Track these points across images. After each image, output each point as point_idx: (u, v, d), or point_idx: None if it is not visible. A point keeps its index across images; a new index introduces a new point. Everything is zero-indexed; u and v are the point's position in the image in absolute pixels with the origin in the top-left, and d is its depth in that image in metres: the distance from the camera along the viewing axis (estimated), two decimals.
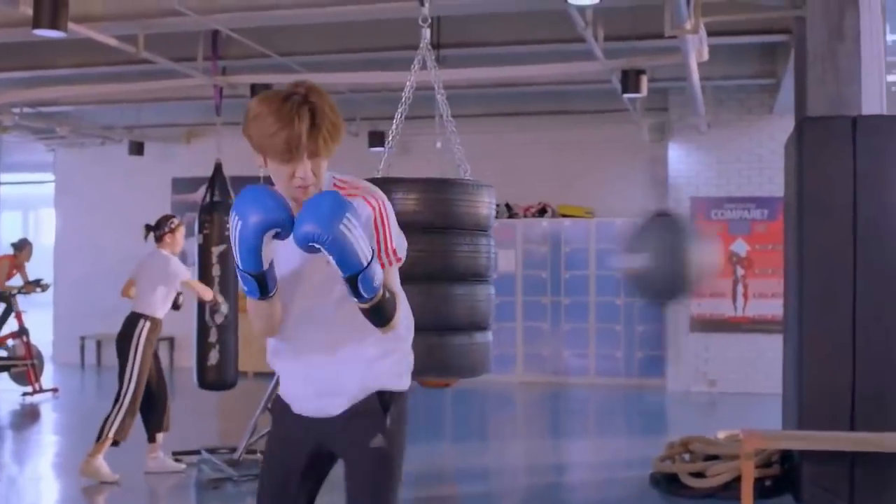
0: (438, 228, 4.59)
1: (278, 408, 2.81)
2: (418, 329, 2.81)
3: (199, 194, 13.71)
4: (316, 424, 2.74)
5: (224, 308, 7.70)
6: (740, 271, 11.27)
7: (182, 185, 13.90)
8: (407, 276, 4.41)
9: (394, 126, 5.13)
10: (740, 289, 11.26)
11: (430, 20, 5.01)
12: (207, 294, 7.28)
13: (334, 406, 2.69)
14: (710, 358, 11.50)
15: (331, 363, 2.67)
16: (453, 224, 4.62)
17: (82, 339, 13.87)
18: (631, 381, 11.96)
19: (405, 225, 4.60)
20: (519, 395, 11.65)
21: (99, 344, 13.88)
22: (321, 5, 7.48)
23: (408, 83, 5.09)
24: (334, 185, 2.64)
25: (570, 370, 12.19)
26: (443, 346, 4.51)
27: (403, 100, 5.12)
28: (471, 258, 4.62)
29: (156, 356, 6.96)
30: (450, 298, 4.55)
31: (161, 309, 6.85)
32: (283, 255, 2.61)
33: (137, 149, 13.47)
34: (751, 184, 11.41)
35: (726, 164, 11.45)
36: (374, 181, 4.97)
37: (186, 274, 7.02)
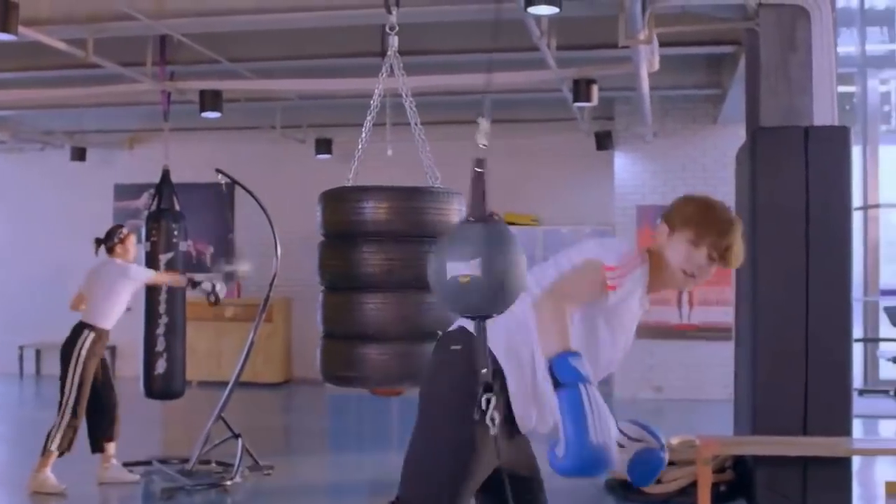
0: (410, 237, 4.59)
1: None
2: (392, 338, 2.80)
3: (142, 201, 13.60)
4: None
5: (207, 285, 7.34)
6: None
7: (124, 191, 13.73)
8: (380, 285, 4.39)
9: (363, 134, 5.13)
10: (685, 296, 11.39)
11: (397, 27, 5.00)
12: (181, 281, 7.24)
13: None
14: (656, 364, 11.62)
15: None
16: (425, 232, 4.62)
17: (21, 348, 13.58)
18: None
19: (377, 234, 4.65)
20: None
21: (38, 353, 13.62)
22: (274, 11, 7.43)
23: (376, 90, 5.09)
24: None
25: None
26: (416, 354, 4.50)
27: (372, 107, 5.11)
28: None
29: (105, 366, 6.85)
30: (422, 307, 4.55)
31: (110, 319, 6.75)
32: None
33: (79, 154, 13.28)
34: (695, 192, 11.52)
35: (671, 173, 11.59)
36: (345, 190, 5.01)
37: (150, 272, 7.00)
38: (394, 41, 5.05)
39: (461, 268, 2.23)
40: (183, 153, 10.82)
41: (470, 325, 2.57)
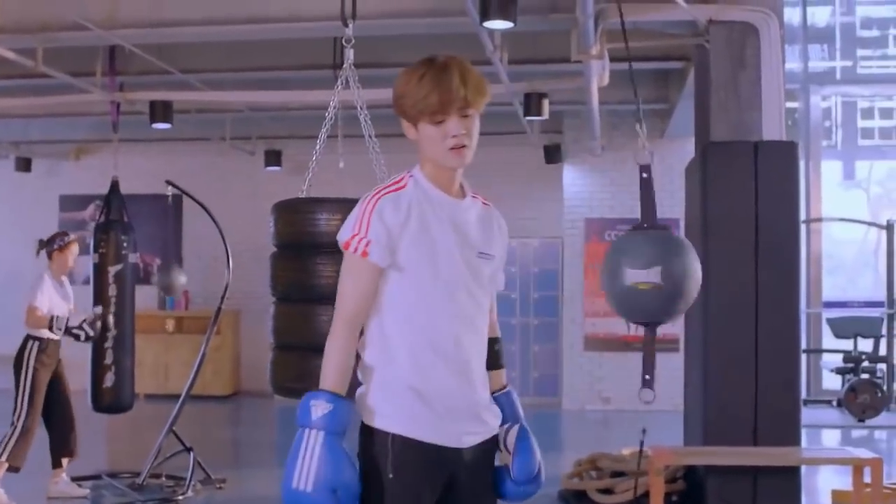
0: None
1: None
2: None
3: (89, 212, 13.47)
4: None
5: (77, 331, 6.71)
6: None
7: (70, 202, 13.57)
8: (333, 296, 4.38)
9: (318, 146, 5.13)
10: None
11: (353, 40, 5.03)
12: (43, 325, 6.57)
13: None
14: (604, 376, 11.72)
15: None
16: None
17: None
18: (526, 399, 11.98)
19: (332, 245, 4.63)
20: None
21: None
22: (226, 23, 7.42)
23: (332, 102, 5.10)
24: (473, 197, 2.69)
25: None
26: None
27: (327, 119, 5.12)
28: None
29: (60, 378, 6.75)
30: None
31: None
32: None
33: (25, 165, 13.11)
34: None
35: (619, 186, 11.72)
36: (299, 201, 5.01)
37: (37, 300, 6.57)
38: (349, 54, 5.07)
39: (641, 275, 2.22)
40: (131, 164, 10.74)
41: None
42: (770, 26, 6.05)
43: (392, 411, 2.52)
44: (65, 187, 13.60)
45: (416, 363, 2.53)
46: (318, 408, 2.43)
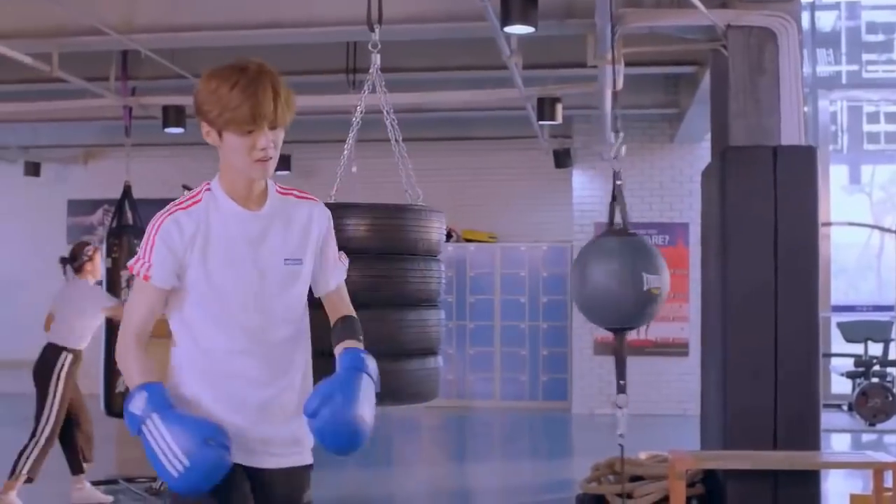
0: (392, 254, 4.62)
1: None
2: (373, 356, 2.76)
3: (97, 217, 13.47)
4: None
5: None
6: None
7: (78, 207, 13.56)
8: (361, 303, 4.41)
9: (346, 151, 5.14)
10: None
11: (379, 45, 5.03)
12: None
13: None
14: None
15: None
16: (407, 250, 4.65)
17: None
18: (535, 403, 12.10)
19: (359, 251, 4.65)
20: (424, 419, 11.66)
21: None
22: (240, 28, 7.45)
23: (358, 108, 5.10)
24: (277, 190, 2.65)
25: (476, 394, 12.27)
26: (397, 372, 4.51)
27: (354, 124, 5.13)
28: (423, 283, 4.65)
29: (76, 385, 6.75)
30: (403, 324, 4.57)
31: (84, 339, 6.61)
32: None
33: (34, 170, 13.11)
34: (652, 210, 11.72)
35: (629, 191, 11.56)
36: (328, 206, 4.99)
37: (113, 302, 6.76)
38: (376, 58, 5.08)
39: (654, 280, 2.24)
40: (142, 168, 10.73)
41: None
42: (789, 31, 6.05)
43: None
44: (73, 192, 13.59)
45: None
46: (137, 403, 2.44)
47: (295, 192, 2.67)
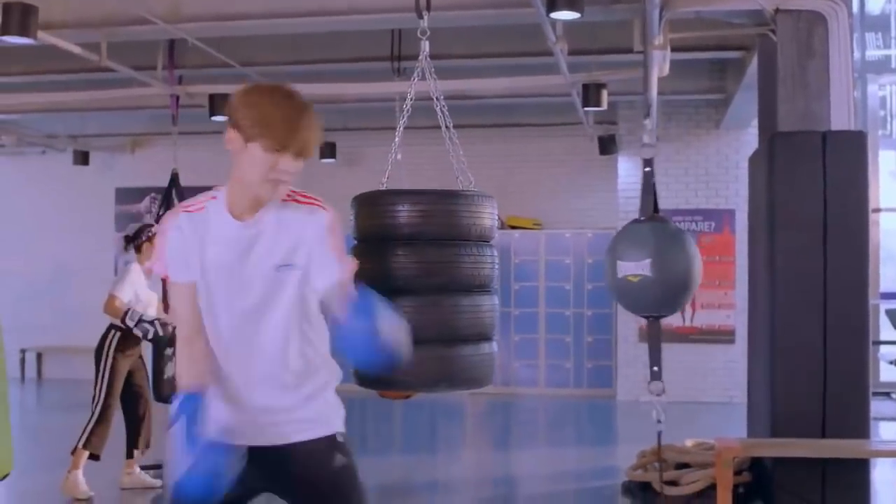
0: (445, 240, 4.63)
1: None
2: (425, 342, 2.79)
3: (144, 204, 13.61)
4: None
5: (145, 327, 6.67)
6: None
7: (125, 195, 13.69)
8: (415, 288, 4.42)
9: (396, 139, 5.16)
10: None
11: (428, 32, 5.04)
12: (115, 315, 6.64)
13: None
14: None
15: None
16: (459, 235, 4.66)
17: (22, 351, 13.53)
18: (580, 391, 12.08)
19: (412, 237, 4.68)
20: (469, 407, 11.68)
21: (39, 357, 13.58)
22: (287, 16, 7.48)
23: (409, 95, 5.12)
24: (289, 195, 2.67)
25: (520, 381, 12.26)
26: (451, 357, 4.53)
27: (405, 111, 5.14)
28: (476, 269, 4.65)
29: (139, 370, 6.85)
30: (457, 310, 4.58)
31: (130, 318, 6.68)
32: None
33: (82, 158, 13.26)
34: (698, 197, 11.64)
35: (674, 178, 11.65)
36: (380, 194, 5.03)
37: (118, 287, 6.64)
38: (425, 45, 5.08)
39: (630, 268, 2.25)
40: (188, 156, 10.82)
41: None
42: (839, 14, 5.98)
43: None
44: (120, 180, 13.74)
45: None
46: (175, 404, 2.58)
47: (298, 197, 2.69)
